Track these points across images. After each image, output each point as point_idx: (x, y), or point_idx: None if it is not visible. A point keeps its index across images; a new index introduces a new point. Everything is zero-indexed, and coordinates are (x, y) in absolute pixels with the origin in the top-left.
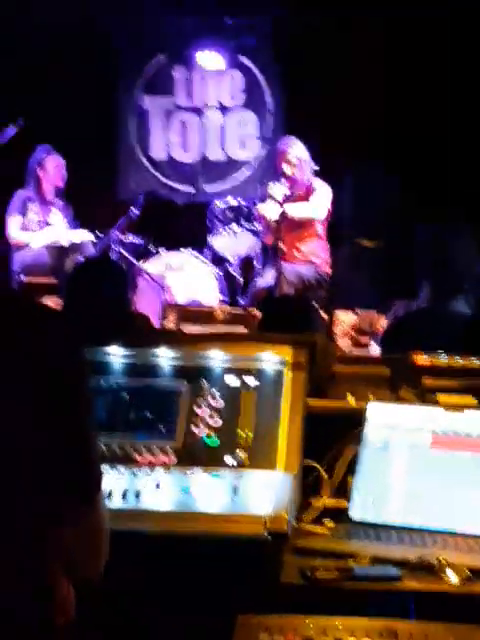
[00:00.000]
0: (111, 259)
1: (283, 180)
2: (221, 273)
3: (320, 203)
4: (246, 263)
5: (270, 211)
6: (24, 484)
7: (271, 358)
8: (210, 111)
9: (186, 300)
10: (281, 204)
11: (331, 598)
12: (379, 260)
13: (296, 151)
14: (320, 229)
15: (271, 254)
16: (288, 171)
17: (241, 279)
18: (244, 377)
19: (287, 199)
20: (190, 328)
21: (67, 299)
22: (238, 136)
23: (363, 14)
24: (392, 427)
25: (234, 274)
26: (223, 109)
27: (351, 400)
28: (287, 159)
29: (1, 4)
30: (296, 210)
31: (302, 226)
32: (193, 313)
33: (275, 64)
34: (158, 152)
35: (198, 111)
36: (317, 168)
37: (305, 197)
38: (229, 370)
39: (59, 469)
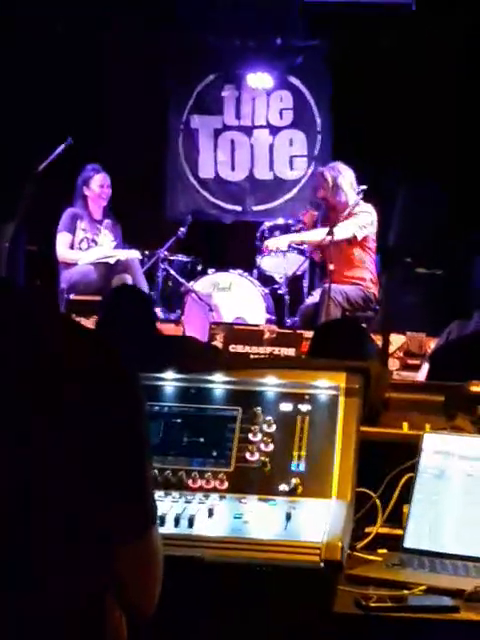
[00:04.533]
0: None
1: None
2: (268, 292)
3: (348, 225)
4: (294, 283)
5: (277, 243)
6: (76, 515)
7: (325, 384)
8: (259, 130)
9: (233, 320)
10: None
11: (385, 628)
12: (432, 286)
13: (330, 174)
14: (369, 251)
15: (319, 274)
16: (320, 194)
17: (288, 299)
18: (298, 403)
19: (323, 222)
20: (238, 348)
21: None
22: (286, 156)
23: (410, 37)
24: (447, 455)
25: (281, 294)
26: (272, 128)
27: (406, 428)
28: (320, 182)
29: (52, 21)
30: (313, 235)
31: (350, 248)
32: (241, 333)
33: (324, 84)
34: (206, 171)
35: (247, 130)
36: (362, 189)
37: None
38: (283, 396)
39: (113, 501)
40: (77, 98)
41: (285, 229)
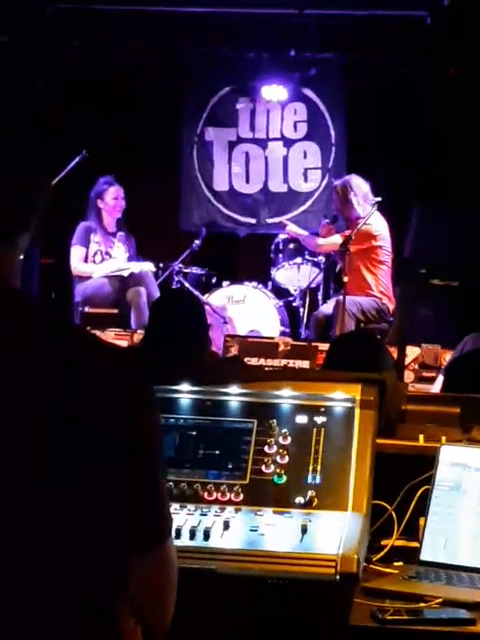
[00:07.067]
0: (189, 292)
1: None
2: (283, 305)
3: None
4: (308, 295)
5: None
6: (92, 528)
7: (340, 396)
8: (273, 143)
9: (248, 332)
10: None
11: None
12: (447, 297)
13: (341, 188)
14: (384, 264)
15: (334, 286)
16: (334, 205)
17: (303, 311)
18: (313, 416)
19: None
20: (252, 361)
21: (148, 332)
22: (300, 168)
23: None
24: (464, 468)
25: (296, 306)
26: (286, 141)
27: (422, 440)
28: (333, 195)
29: (68, 31)
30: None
31: (365, 260)
32: (255, 345)
33: (338, 96)
34: (221, 184)
35: (261, 143)
36: (376, 201)
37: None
38: (298, 408)
39: (128, 515)
40: (92, 111)
41: (300, 242)
